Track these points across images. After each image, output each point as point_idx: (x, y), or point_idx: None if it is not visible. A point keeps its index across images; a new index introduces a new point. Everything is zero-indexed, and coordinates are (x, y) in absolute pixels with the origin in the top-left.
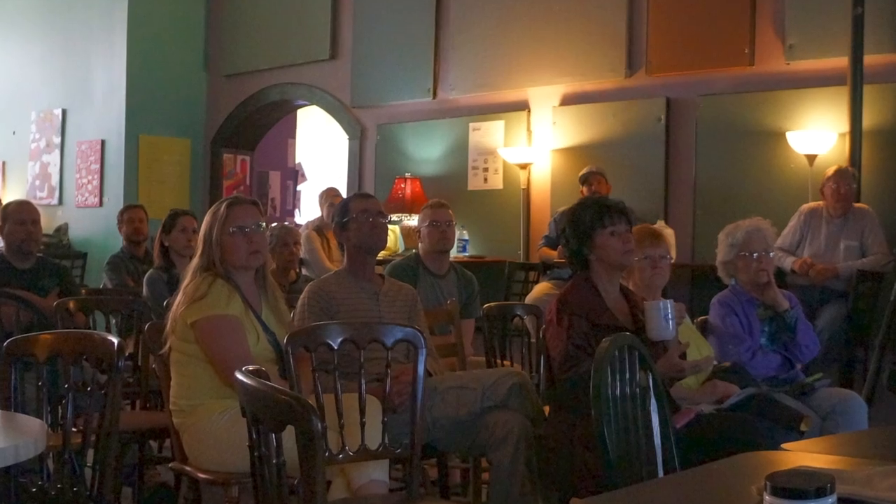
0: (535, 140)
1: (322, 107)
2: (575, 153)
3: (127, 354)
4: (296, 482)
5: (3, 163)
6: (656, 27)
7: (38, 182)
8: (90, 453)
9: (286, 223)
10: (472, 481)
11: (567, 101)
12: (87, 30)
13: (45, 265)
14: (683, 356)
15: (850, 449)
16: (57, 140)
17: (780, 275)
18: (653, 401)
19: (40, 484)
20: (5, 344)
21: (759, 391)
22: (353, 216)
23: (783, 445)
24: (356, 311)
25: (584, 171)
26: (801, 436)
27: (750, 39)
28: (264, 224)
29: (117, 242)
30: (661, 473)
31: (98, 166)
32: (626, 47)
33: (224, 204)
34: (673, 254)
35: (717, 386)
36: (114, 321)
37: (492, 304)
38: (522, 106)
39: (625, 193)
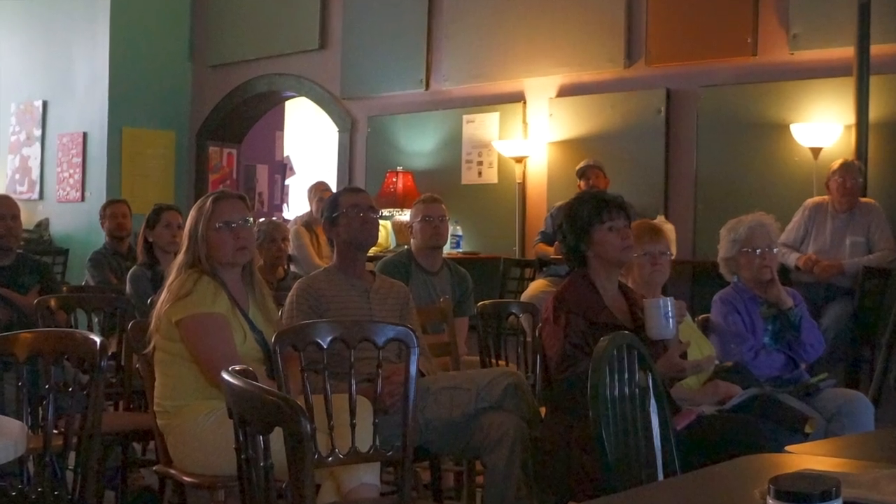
0: (531, 132)
1: (311, 98)
2: (572, 146)
3: (110, 354)
4: (284, 486)
5: None
6: (656, 16)
7: (17, 176)
8: (72, 456)
9: (274, 218)
10: (465, 485)
11: (564, 92)
12: (69, 19)
13: (25, 262)
14: (684, 356)
15: (856, 451)
16: (37, 132)
17: (784, 271)
18: (652, 402)
19: (20, 488)
20: None
21: (763, 392)
22: (343, 211)
23: (787, 448)
24: (346, 309)
25: (582, 164)
26: (805, 438)
27: (753, 29)
28: (251, 219)
29: (100, 238)
30: (660, 477)
31: (80, 160)
32: (625, 36)
33: (210, 198)
34: (673, 250)
35: (719, 386)
36: (96, 319)
37: (486, 301)
38: (518, 97)
39: (623, 188)
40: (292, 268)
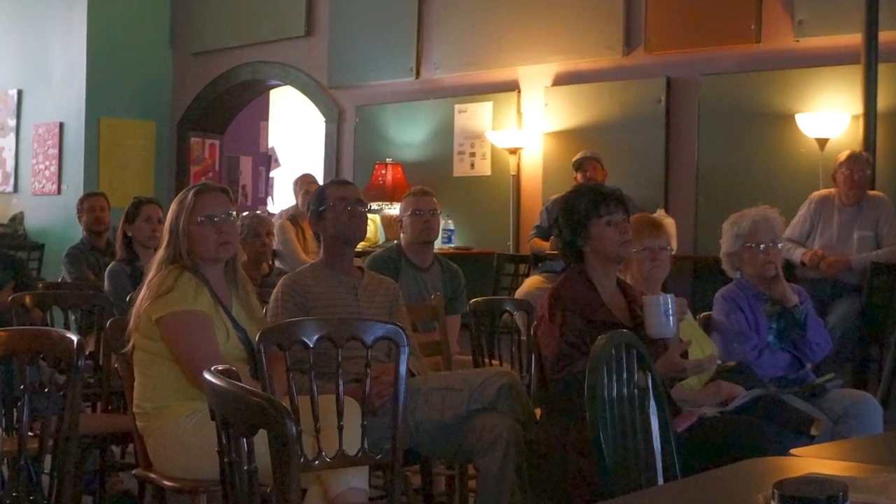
0: (526, 123)
1: (297, 87)
2: (568, 137)
3: (87, 353)
4: (269, 490)
5: None
6: (656, 1)
7: None
8: (48, 459)
9: (258, 212)
10: (458, 490)
11: (560, 80)
12: (45, 4)
13: None
14: (685, 355)
15: (864, 454)
16: (12, 123)
17: (789, 267)
18: (652, 403)
19: None
20: None
21: (767, 392)
22: (330, 204)
23: (792, 451)
24: (333, 306)
25: (579, 156)
26: (811, 440)
27: (756, 15)
28: (235, 213)
29: (77, 233)
30: (661, 481)
31: (56, 151)
32: (624, 23)
33: (191, 191)
34: (674, 245)
35: (722, 387)
36: (73, 317)
37: (479, 298)
38: (512, 86)
39: (622, 180)
40: (277, 263)
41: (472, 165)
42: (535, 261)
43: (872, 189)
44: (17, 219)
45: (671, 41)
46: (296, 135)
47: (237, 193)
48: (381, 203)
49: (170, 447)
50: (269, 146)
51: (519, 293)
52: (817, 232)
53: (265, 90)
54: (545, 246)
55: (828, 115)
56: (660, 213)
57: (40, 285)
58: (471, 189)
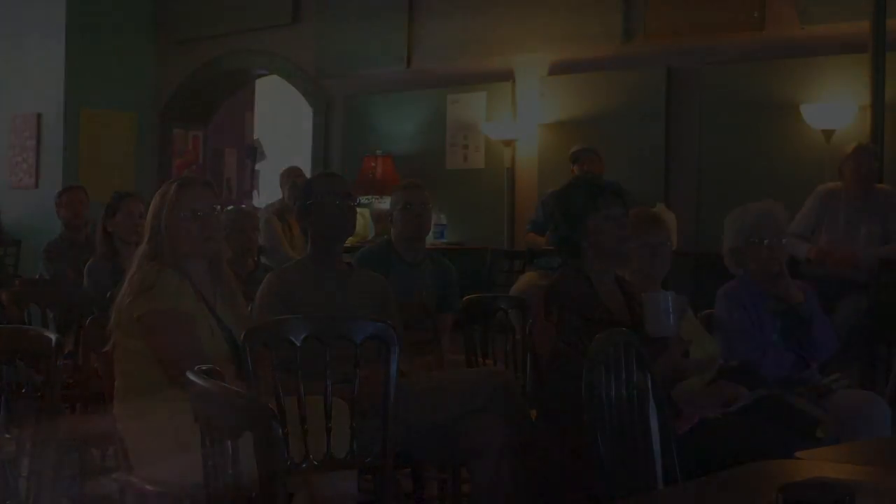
0: (521, 114)
1: (283, 76)
2: (565, 128)
3: (66, 352)
4: (254, 495)
5: None
6: None
7: None
8: (25, 463)
9: (243, 206)
10: (450, 494)
11: (556, 70)
12: None
13: None
14: (686, 354)
15: (872, 457)
16: None
17: (794, 264)
18: (652, 404)
19: None
20: None
21: (770, 393)
22: (318, 198)
23: (797, 453)
24: (321, 303)
25: (576, 148)
26: (816, 443)
27: (760, 1)
28: (219, 207)
29: (55, 227)
30: (660, 485)
31: (34, 143)
32: (623, 10)
33: (174, 185)
34: (674, 240)
35: (724, 387)
36: (51, 315)
37: (472, 296)
38: (507, 76)
39: (621, 173)
40: (263, 260)
41: (466, 158)
42: (531, 257)
43: (880, 182)
44: None
45: (672, 29)
46: (282, 126)
47: (221, 187)
48: (370, 197)
49: (152, 450)
50: (255, 138)
51: (514, 290)
52: (823, 227)
53: (250, 80)
54: (541, 241)
55: (834, 106)
56: (660, 208)
57: (17, 282)
58: (464, 182)
